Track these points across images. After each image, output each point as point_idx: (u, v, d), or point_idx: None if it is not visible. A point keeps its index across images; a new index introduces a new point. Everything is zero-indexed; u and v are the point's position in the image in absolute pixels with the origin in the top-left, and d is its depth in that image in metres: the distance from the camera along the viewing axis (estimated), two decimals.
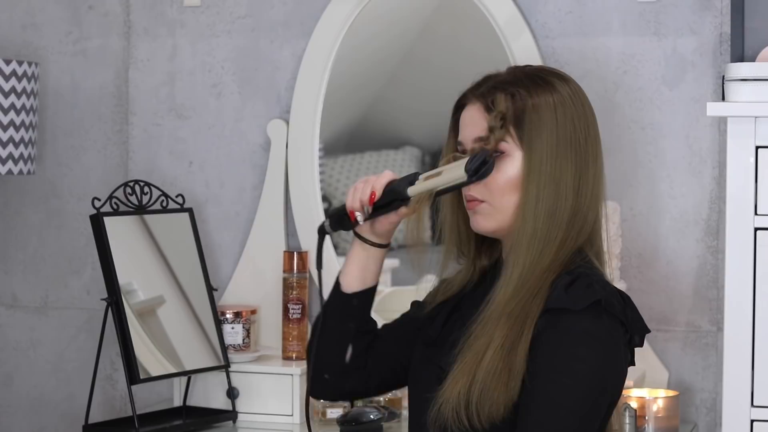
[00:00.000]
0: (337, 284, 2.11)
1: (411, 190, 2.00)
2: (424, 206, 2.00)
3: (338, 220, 2.07)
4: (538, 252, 1.95)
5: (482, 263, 2.09)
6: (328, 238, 2.29)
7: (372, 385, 2.16)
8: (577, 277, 1.94)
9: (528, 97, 1.97)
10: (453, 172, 1.96)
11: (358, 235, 2.08)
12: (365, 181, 2.04)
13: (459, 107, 2.05)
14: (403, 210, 2.02)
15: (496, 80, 2.01)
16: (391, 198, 2.01)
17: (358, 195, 2.04)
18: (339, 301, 2.11)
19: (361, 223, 2.06)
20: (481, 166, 1.94)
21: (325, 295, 2.14)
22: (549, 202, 1.95)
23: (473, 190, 1.99)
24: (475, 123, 2.00)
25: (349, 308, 2.10)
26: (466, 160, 1.95)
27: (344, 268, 2.11)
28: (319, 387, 2.15)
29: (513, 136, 1.97)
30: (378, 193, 2.02)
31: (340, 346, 2.11)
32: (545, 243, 1.95)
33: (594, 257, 2.01)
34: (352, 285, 2.10)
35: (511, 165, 1.97)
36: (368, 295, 2.11)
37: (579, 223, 1.98)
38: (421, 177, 2.00)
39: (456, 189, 2.00)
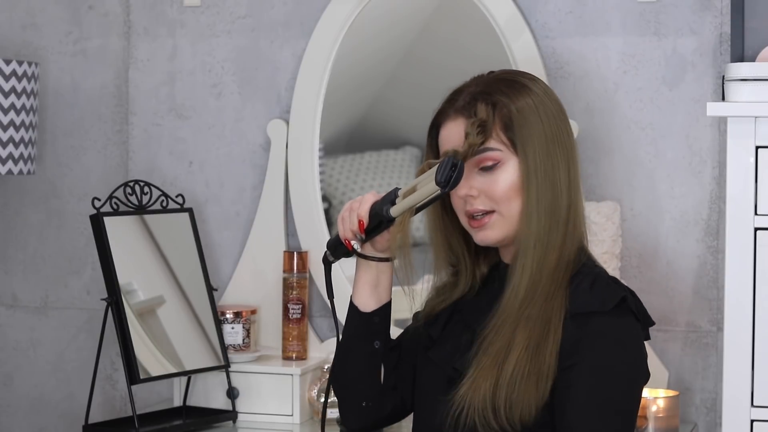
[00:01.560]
0: (353, 308, 2.09)
1: (393, 211, 2.00)
2: (408, 221, 2.00)
3: (337, 249, 2.08)
4: (543, 252, 1.95)
5: (482, 271, 2.09)
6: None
7: (407, 403, 2.13)
8: (595, 278, 1.95)
9: (510, 103, 1.97)
10: (426, 186, 1.96)
11: (362, 255, 2.07)
12: (350, 209, 2.04)
13: (435, 126, 2.04)
14: (392, 229, 2.02)
15: (470, 91, 2.01)
16: (378, 221, 2.02)
17: (347, 225, 2.04)
18: (360, 322, 2.09)
19: (358, 250, 2.06)
20: (451, 173, 1.92)
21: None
22: (548, 202, 1.96)
23: (477, 204, 1.98)
24: (459, 138, 1.99)
25: (371, 327, 2.08)
26: (435, 171, 1.93)
27: (355, 290, 2.09)
28: (356, 417, 2.12)
29: (505, 143, 1.97)
30: (365, 220, 2.02)
31: (372, 368, 2.09)
32: (548, 242, 1.96)
33: (589, 250, 2.03)
34: (368, 304, 2.08)
35: (510, 172, 1.97)
36: (387, 310, 2.10)
37: (573, 215, 1.99)
38: (399, 194, 2.00)
39: (435, 201, 2.00)
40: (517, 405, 1.89)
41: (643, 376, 1.97)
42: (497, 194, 1.97)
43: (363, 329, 2.09)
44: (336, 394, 2.14)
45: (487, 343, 1.94)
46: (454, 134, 2.00)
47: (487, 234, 1.99)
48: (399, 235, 2.00)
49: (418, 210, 2.01)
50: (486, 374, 1.91)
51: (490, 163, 1.97)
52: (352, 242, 2.04)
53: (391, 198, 2.01)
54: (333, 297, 2.11)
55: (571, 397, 1.89)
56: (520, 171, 1.97)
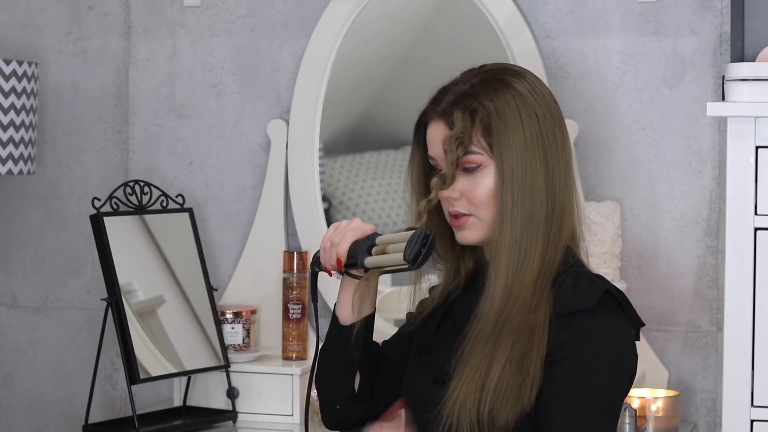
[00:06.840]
0: (334, 318, 2.10)
1: (368, 262, 2.00)
2: (376, 278, 2.03)
3: (321, 269, 2.08)
4: (521, 258, 1.94)
5: (468, 266, 2.08)
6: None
7: (381, 407, 2.15)
8: (576, 276, 1.94)
9: (490, 104, 1.96)
10: (396, 255, 1.95)
11: (345, 273, 2.07)
12: (331, 243, 2.03)
13: (421, 124, 2.04)
14: (359, 283, 2.04)
15: (454, 93, 2.00)
16: (354, 261, 2.01)
17: (326, 257, 2.04)
18: (339, 334, 2.09)
19: (338, 279, 2.07)
20: (420, 251, 1.93)
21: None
22: (525, 208, 1.95)
23: (458, 206, 1.98)
24: (441, 141, 1.99)
25: (350, 339, 2.08)
26: (405, 244, 1.94)
27: (338, 301, 2.09)
28: (331, 417, 2.15)
29: (484, 147, 1.96)
30: (343, 260, 2.01)
31: (349, 376, 2.10)
32: (527, 247, 1.95)
33: (580, 253, 2.02)
34: (349, 317, 2.08)
35: (489, 176, 1.97)
36: (368, 322, 2.09)
37: (557, 218, 1.97)
38: (377, 241, 2.00)
39: (401, 272, 2.00)
40: (501, 418, 1.89)
41: (628, 371, 1.95)
42: (476, 199, 1.96)
43: (342, 340, 2.08)
44: (317, 392, 2.16)
45: (467, 354, 1.93)
46: (433, 136, 2.00)
47: (466, 234, 2.00)
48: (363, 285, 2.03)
49: (386, 272, 2.02)
50: (469, 389, 1.91)
51: (471, 165, 1.97)
52: (333, 272, 2.05)
53: (369, 243, 2.00)
54: (317, 301, 2.11)
55: (556, 392, 1.89)
56: (495, 176, 1.96)
